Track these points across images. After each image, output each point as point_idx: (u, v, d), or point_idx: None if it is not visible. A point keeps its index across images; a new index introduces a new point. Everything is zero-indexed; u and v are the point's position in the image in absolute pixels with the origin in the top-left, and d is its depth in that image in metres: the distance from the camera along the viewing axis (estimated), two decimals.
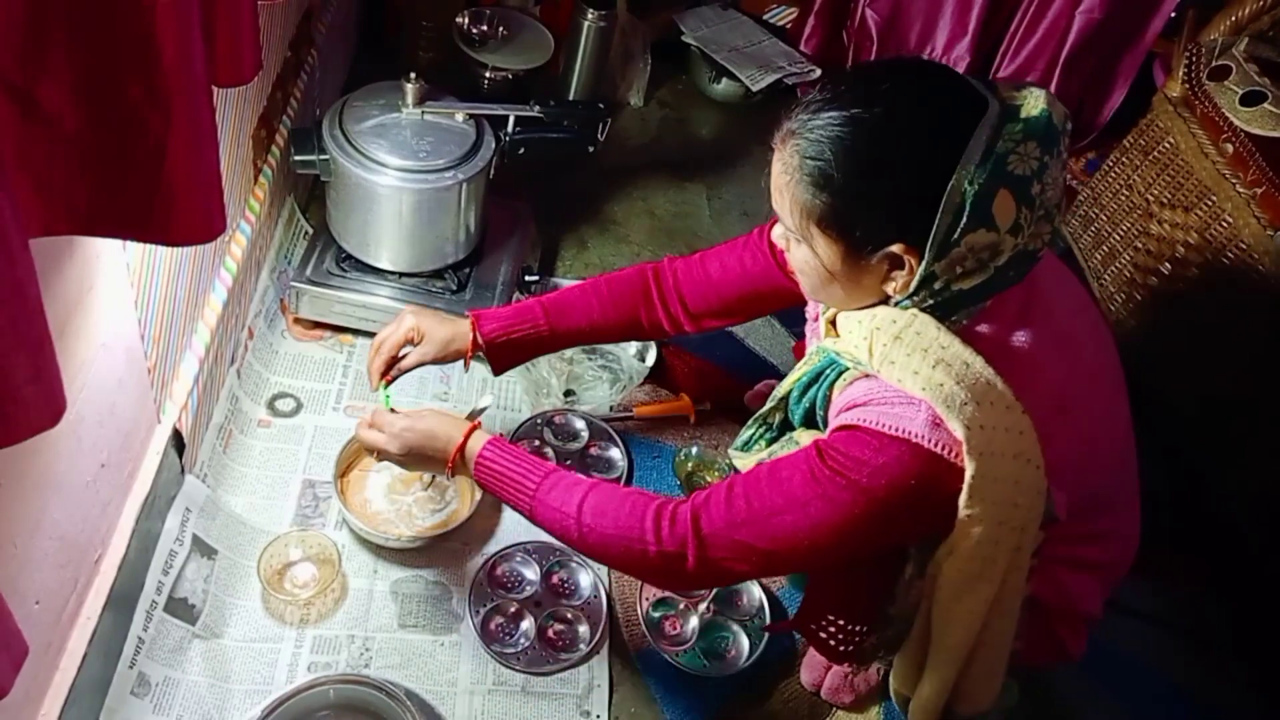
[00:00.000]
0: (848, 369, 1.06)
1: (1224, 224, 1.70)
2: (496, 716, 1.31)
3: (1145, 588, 1.61)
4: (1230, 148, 1.70)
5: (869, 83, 0.95)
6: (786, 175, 0.97)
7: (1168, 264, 1.83)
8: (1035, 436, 0.95)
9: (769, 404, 1.22)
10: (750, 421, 1.27)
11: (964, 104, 0.91)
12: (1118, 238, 1.98)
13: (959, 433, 0.93)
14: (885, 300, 1.01)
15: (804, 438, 1.14)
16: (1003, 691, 1.15)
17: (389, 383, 1.31)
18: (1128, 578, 1.23)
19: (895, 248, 0.94)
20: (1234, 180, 1.68)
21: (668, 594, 1.45)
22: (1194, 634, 1.64)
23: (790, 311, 1.86)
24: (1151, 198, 1.88)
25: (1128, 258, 1.94)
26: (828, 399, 1.09)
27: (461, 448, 1.15)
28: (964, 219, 0.90)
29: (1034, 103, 0.92)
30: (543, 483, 1.11)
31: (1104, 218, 2.04)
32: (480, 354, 1.33)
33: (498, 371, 1.35)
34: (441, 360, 1.31)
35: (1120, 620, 1.43)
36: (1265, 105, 1.68)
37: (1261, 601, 1.66)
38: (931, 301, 0.97)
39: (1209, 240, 1.74)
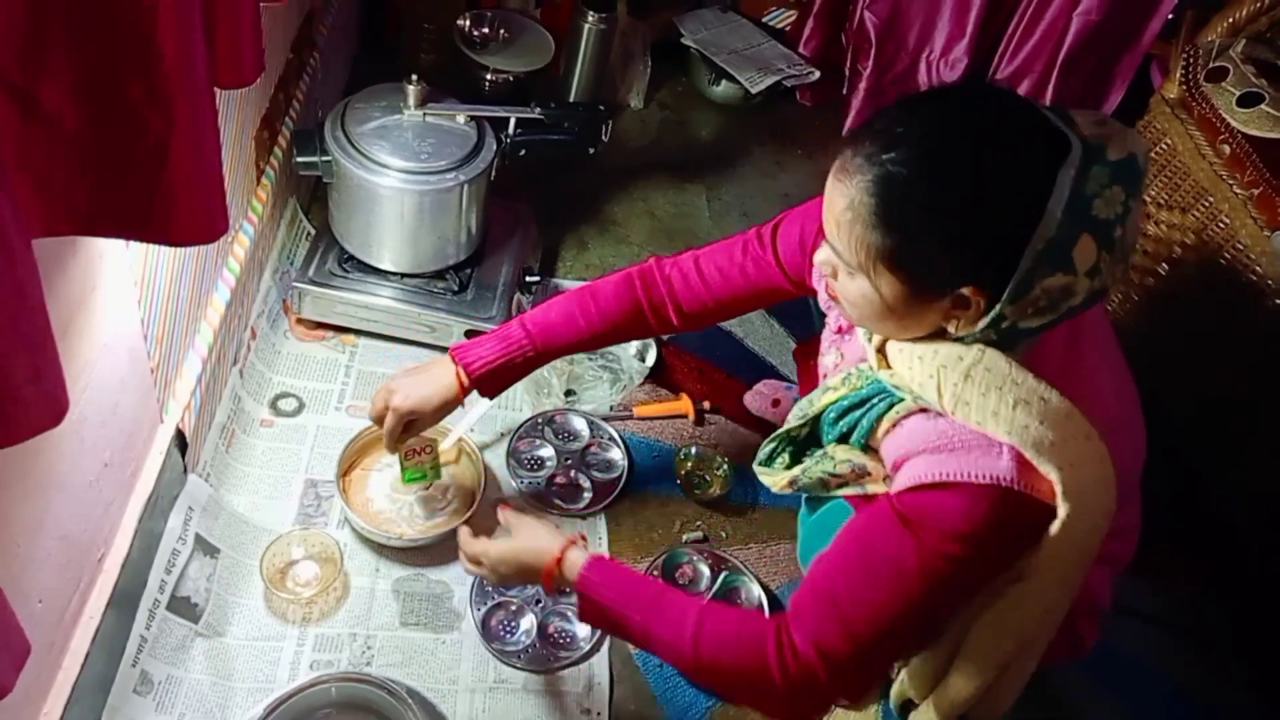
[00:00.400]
0: (901, 400, 1.03)
1: (1221, 224, 1.71)
2: (497, 714, 1.31)
3: (1145, 588, 1.61)
4: (1227, 149, 1.70)
5: (943, 115, 0.91)
6: (851, 212, 0.91)
7: (1165, 264, 1.84)
8: (1110, 459, 0.94)
9: (796, 421, 1.19)
10: (772, 436, 1.23)
11: (1046, 142, 0.87)
12: None
13: (1051, 475, 0.92)
14: (940, 332, 0.98)
15: (839, 453, 1.11)
16: None
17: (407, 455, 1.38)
18: (1128, 578, 1.24)
19: (965, 290, 0.90)
20: (1231, 181, 1.68)
21: None
22: (1194, 634, 1.64)
23: (790, 312, 1.90)
24: (1149, 198, 1.88)
25: None
26: (872, 427, 1.07)
27: (559, 562, 1.13)
28: (1044, 263, 0.86)
29: (1122, 144, 0.87)
30: (651, 615, 1.08)
31: None
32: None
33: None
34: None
35: (1120, 620, 1.43)
36: (1262, 106, 1.69)
37: (1261, 601, 1.66)
38: (995, 337, 0.94)
39: (1206, 241, 1.74)
